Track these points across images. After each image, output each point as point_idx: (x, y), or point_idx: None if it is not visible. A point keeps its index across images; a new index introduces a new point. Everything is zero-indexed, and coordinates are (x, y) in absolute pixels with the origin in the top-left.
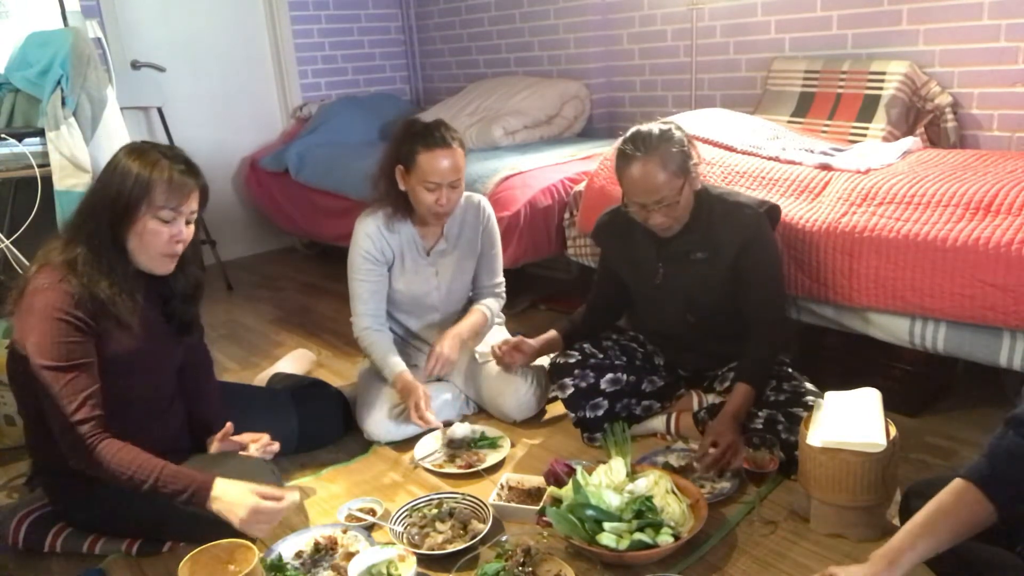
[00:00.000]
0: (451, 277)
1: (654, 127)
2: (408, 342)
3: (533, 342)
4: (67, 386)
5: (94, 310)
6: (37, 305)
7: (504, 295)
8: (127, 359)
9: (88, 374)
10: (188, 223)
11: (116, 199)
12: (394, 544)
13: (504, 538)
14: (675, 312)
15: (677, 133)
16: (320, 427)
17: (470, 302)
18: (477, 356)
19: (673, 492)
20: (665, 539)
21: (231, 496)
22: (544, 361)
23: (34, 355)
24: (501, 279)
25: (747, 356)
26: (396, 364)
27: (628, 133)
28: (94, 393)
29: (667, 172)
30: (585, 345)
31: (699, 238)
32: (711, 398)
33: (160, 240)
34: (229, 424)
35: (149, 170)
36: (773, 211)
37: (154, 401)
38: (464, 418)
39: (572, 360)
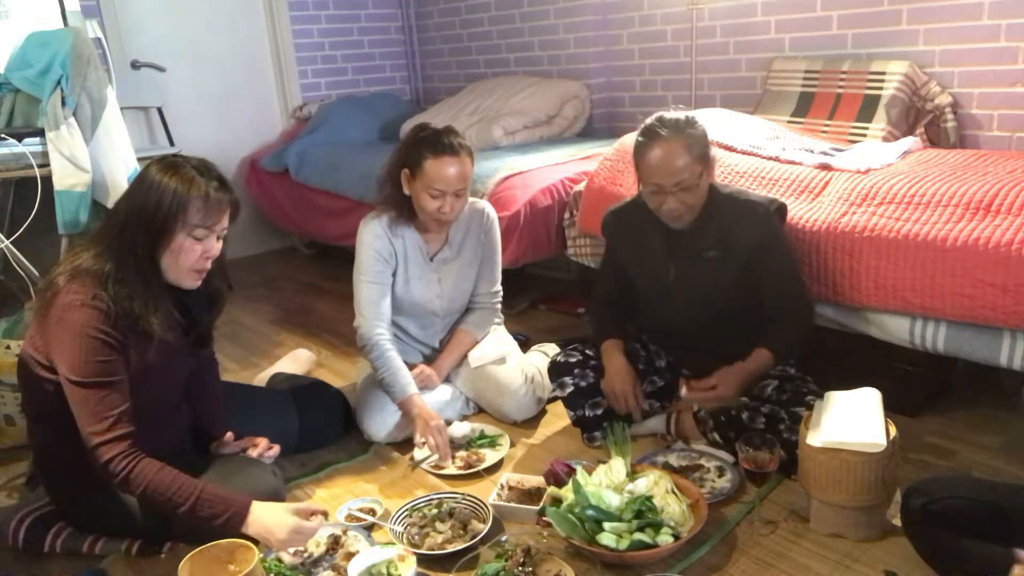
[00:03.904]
0: (454, 284)
1: (679, 113)
2: (406, 343)
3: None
4: (100, 403)
5: (126, 326)
6: (69, 322)
7: (500, 305)
8: (146, 371)
9: (121, 392)
10: (218, 239)
11: (152, 217)
12: (394, 544)
13: (504, 538)
14: (684, 312)
15: (700, 123)
16: (320, 427)
17: (469, 308)
18: (472, 361)
19: (673, 492)
20: (665, 539)
21: (268, 519)
22: (544, 360)
23: (67, 372)
24: (499, 288)
25: (772, 332)
26: (408, 386)
27: (651, 119)
28: (127, 410)
29: (690, 155)
30: (587, 349)
31: (711, 237)
32: None
33: (192, 257)
34: (229, 433)
35: (186, 187)
36: (781, 210)
37: (162, 406)
38: (464, 418)
39: (572, 360)
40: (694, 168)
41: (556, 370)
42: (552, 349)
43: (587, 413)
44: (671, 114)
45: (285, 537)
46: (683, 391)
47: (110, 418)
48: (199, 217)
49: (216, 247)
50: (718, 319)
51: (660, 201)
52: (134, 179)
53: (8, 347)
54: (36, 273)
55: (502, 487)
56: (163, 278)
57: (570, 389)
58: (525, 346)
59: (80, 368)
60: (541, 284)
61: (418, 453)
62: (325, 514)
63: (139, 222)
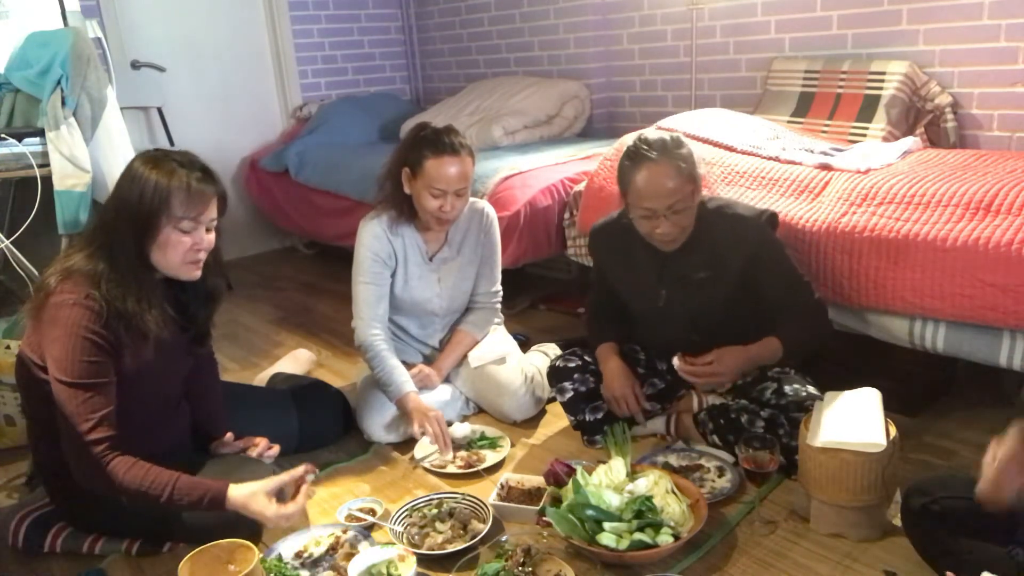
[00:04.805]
0: (453, 284)
1: (663, 134)
2: (406, 342)
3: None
4: (83, 404)
5: (118, 326)
6: (61, 320)
7: (500, 304)
8: (144, 370)
9: (105, 394)
10: (208, 230)
11: (136, 212)
12: (394, 544)
13: (504, 538)
14: (678, 332)
15: (686, 142)
16: (320, 427)
17: (469, 308)
18: (471, 361)
19: (673, 492)
20: (665, 539)
21: (250, 510)
22: (544, 360)
23: (54, 370)
24: (499, 288)
25: (786, 326)
26: (404, 383)
27: (634, 140)
28: (109, 414)
29: (681, 176)
30: (586, 355)
31: (701, 258)
32: (711, 399)
33: (180, 251)
34: (229, 433)
35: (166, 180)
36: (772, 219)
37: (161, 406)
38: (464, 418)
39: (572, 365)
40: (685, 188)
41: (555, 375)
42: (552, 349)
43: (587, 418)
44: (655, 135)
45: (269, 526)
46: (676, 362)
47: (91, 420)
48: (182, 209)
49: (207, 239)
50: (715, 333)
51: (653, 226)
52: (120, 175)
53: (8, 347)
54: (36, 273)
55: (502, 487)
56: (156, 274)
57: (570, 395)
58: (525, 346)
59: (67, 367)
60: (541, 284)
61: (418, 451)
62: (314, 471)
63: (125, 218)
